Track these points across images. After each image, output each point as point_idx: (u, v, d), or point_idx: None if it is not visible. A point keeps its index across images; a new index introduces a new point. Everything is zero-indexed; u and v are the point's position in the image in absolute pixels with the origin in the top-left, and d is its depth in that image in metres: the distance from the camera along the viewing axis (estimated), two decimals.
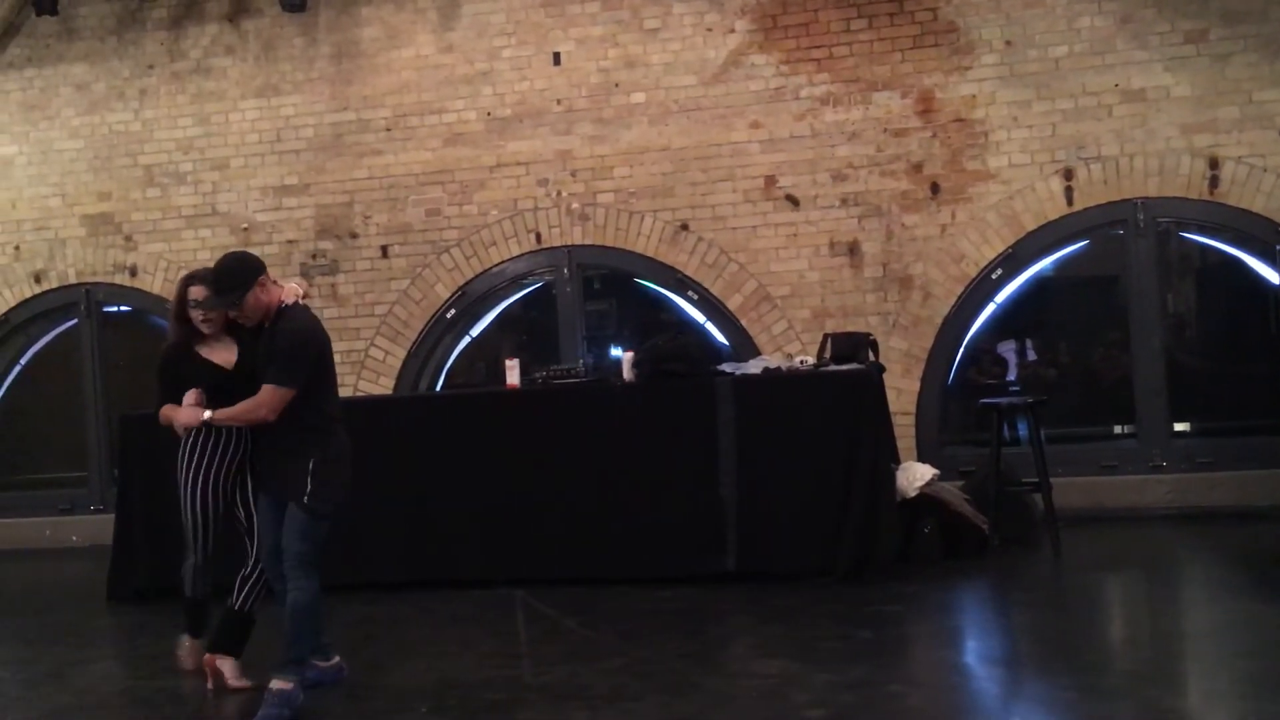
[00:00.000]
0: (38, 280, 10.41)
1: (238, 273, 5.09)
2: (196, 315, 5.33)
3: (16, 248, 10.42)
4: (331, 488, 5.06)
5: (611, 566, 7.06)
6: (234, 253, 5.38)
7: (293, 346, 5.03)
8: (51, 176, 10.36)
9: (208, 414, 5.13)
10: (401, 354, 9.78)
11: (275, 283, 5.20)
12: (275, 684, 4.92)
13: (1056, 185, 8.78)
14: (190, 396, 5.24)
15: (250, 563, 5.33)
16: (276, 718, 4.84)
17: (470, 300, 9.80)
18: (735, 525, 6.99)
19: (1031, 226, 8.83)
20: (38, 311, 10.50)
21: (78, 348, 10.47)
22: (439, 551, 7.29)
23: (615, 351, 9.61)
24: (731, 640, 6.16)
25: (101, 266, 10.30)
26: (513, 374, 7.77)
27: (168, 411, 5.29)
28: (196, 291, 5.34)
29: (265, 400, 5.01)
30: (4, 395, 10.83)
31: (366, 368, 9.75)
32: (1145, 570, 7.22)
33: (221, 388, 5.23)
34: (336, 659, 5.43)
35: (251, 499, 5.33)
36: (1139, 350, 8.75)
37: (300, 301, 5.20)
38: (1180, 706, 4.67)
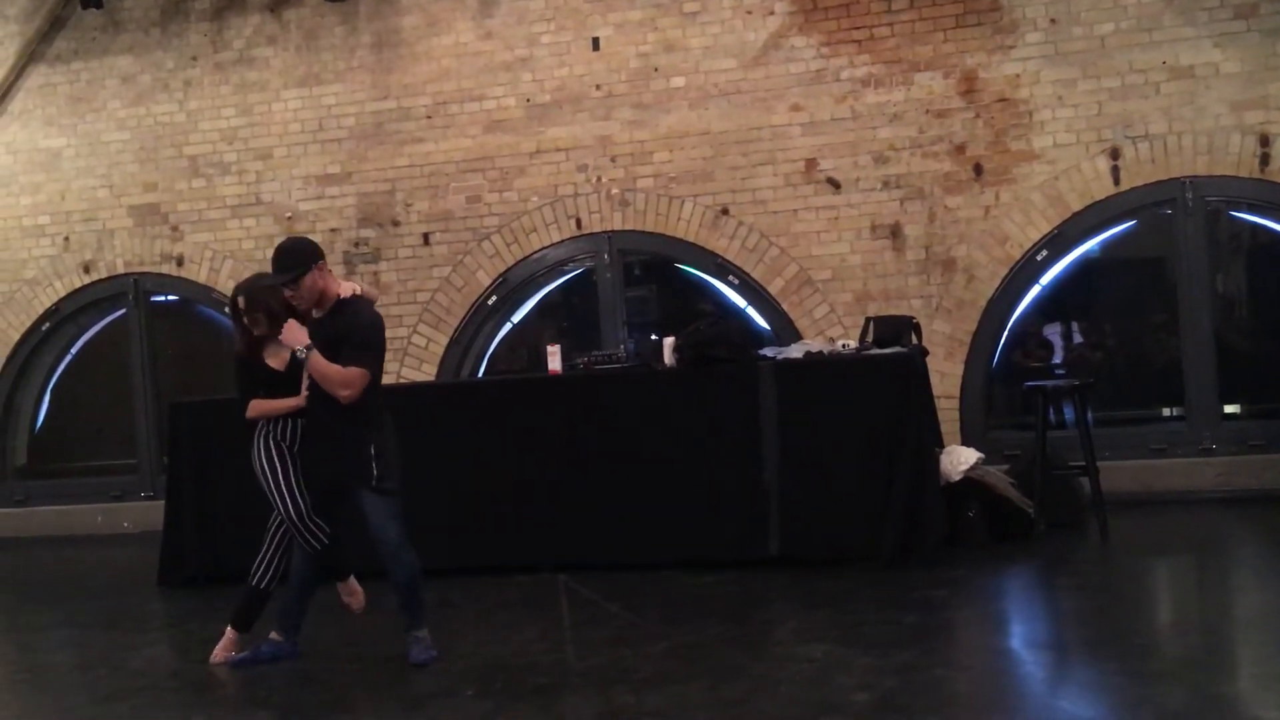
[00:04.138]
0: (87, 270, 10.57)
1: (298, 252, 5.38)
2: (287, 293, 5.51)
3: (66, 238, 10.59)
4: (392, 463, 5.37)
5: (655, 551, 7.07)
6: (295, 236, 5.58)
7: (371, 334, 5.36)
8: (99, 168, 10.50)
9: (305, 347, 5.29)
10: (444, 341, 9.84)
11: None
12: (417, 634, 5.46)
13: (1103, 165, 8.66)
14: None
15: (266, 541, 5.70)
16: (430, 658, 5.42)
17: (511, 287, 9.83)
18: (778, 510, 6.97)
19: (1077, 207, 8.72)
20: (87, 301, 10.67)
21: (127, 337, 10.63)
22: (483, 537, 7.33)
23: (656, 337, 9.60)
24: (776, 624, 6.16)
25: (149, 256, 10.44)
26: (554, 360, 7.79)
27: (256, 405, 5.63)
28: (242, 302, 5.70)
29: (355, 380, 5.26)
30: (55, 384, 11.03)
31: (409, 355, 9.82)
32: (1194, 554, 7.14)
33: (274, 388, 5.60)
34: (295, 640, 5.72)
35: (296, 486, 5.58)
36: (1188, 332, 8.62)
37: (359, 294, 5.49)
38: (1230, 692, 4.61)
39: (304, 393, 5.49)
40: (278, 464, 5.56)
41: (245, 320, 5.65)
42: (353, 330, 5.31)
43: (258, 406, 5.61)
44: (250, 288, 5.70)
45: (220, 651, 5.73)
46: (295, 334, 5.35)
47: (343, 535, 5.65)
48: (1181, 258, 8.65)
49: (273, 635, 5.69)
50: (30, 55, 10.56)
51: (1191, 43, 8.49)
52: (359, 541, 5.48)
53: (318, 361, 5.27)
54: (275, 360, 5.64)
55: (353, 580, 5.79)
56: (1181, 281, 8.67)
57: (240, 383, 5.74)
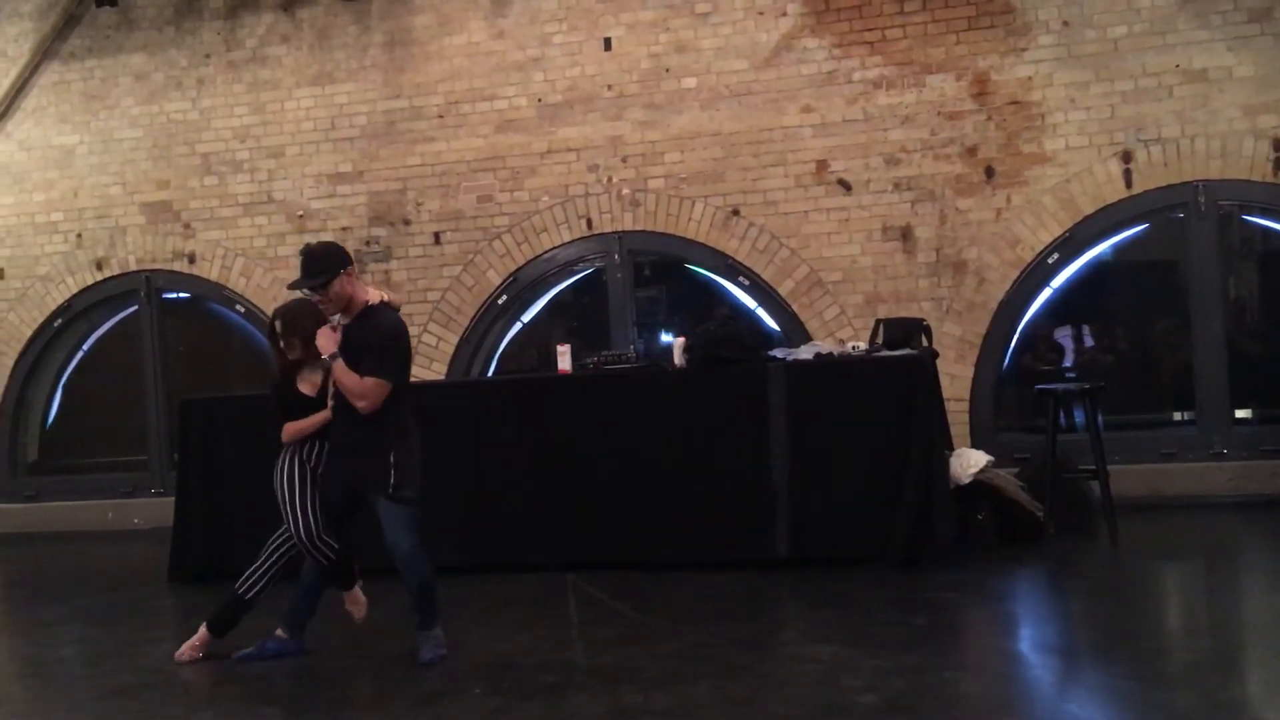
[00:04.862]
0: (99, 267, 10.61)
1: (327, 258, 5.38)
2: (313, 298, 5.52)
3: (79, 235, 10.63)
4: (411, 473, 5.38)
5: (663, 551, 7.07)
6: (323, 241, 5.60)
7: (390, 343, 5.35)
8: (112, 165, 10.54)
9: (331, 356, 5.34)
10: (454, 340, 9.85)
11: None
12: (430, 633, 5.49)
13: (1115, 168, 8.64)
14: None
15: (264, 554, 5.74)
16: (438, 656, 5.45)
17: (521, 286, 9.84)
18: (787, 510, 6.97)
19: (1089, 210, 8.70)
20: (99, 298, 10.71)
21: (138, 334, 10.66)
22: (493, 535, 7.34)
23: (666, 337, 9.62)
24: (784, 625, 6.15)
25: (161, 254, 10.48)
26: (564, 360, 7.80)
27: (290, 428, 5.61)
28: (279, 325, 5.70)
29: (370, 391, 5.27)
30: (67, 380, 11.06)
31: (419, 354, 9.81)
32: (1204, 559, 7.11)
33: (306, 413, 5.60)
34: (301, 639, 5.76)
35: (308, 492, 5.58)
36: (1199, 336, 8.60)
37: (385, 302, 5.49)
38: (1240, 696, 4.61)
39: (330, 403, 5.51)
40: (297, 484, 5.56)
41: (281, 344, 5.65)
42: (374, 339, 5.32)
43: (290, 429, 5.61)
44: (288, 311, 5.69)
45: (187, 650, 5.76)
46: (327, 341, 5.37)
47: (356, 538, 5.66)
48: (1193, 261, 8.63)
49: (278, 633, 5.70)
50: (44, 52, 10.61)
51: (1204, 46, 8.46)
52: (376, 541, 5.46)
53: (340, 370, 5.30)
54: (307, 385, 5.64)
55: (358, 590, 5.77)
56: (1193, 285, 8.64)
57: (276, 407, 5.72)
